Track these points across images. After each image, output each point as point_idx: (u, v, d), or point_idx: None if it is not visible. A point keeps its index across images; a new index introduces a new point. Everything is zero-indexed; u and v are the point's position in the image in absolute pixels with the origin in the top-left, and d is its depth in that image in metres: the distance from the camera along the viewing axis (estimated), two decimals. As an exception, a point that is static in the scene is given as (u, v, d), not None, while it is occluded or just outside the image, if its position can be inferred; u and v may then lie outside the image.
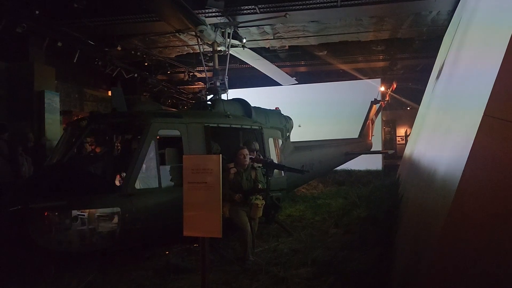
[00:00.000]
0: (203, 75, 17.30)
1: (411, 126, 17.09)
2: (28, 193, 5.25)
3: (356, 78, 19.90)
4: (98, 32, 12.74)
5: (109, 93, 18.55)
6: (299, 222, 8.79)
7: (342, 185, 14.22)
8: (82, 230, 5.12)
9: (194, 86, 22.61)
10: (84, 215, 5.12)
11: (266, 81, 15.00)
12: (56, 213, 4.99)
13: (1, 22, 10.34)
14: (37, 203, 4.93)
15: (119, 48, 13.71)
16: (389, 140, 23.84)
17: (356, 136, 16.97)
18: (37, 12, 10.78)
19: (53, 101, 13.10)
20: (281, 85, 15.68)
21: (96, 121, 6.59)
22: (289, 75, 14.41)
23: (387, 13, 11.49)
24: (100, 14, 11.44)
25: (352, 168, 16.26)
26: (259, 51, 13.27)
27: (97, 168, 6.06)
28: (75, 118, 13.11)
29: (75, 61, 13.27)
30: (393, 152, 20.37)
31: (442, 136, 4.08)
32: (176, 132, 6.30)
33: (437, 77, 8.23)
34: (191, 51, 15.24)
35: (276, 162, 8.19)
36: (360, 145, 16.29)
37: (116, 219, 5.21)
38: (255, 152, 7.59)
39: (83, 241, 5.26)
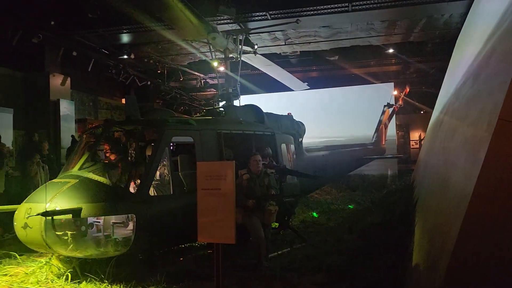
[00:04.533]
0: (215, 81, 17.46)
1: (425, 130, 16.88)
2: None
3: (368, 83, 19.82)
4: (111, 41, 12.93)
5: (123, 101, 18.80)
6: (312, 227, 8.75)
7: (356, 190, 14.12)
8: (98, 236, 5.19)
9: (206, 93, 22.73)
10: (100, 222, 5.19)
11: (278, 86, 15.06)
12: (73, 219, 5.07)
13: (18, 32, 10.57)
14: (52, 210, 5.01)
15: (132, 56, 13.89)
16: (403, 145, 23.60)
17: (370, 141, 16.87)
18: (52, 22, 10.99)
19: (68, 110, 13.33)
20: (293, 90, 15.73)
21: (111, 128, 6.67)
22: (301, 80, 14.44)
23: (399, 17, 11.44)
24: (114, 24, 11.61)
25: (366, 173, 16.15)
26: (270, 57, 13.32)
27: (112, 175, 6.12)
28: (90, 126, 13.33)
29: (89, 69, 13.48)
30: (406, 156, 20.19)
31: (457, 140, 4.04)
32: (189, 139, 6.35)
33: (451, 80, 8.15)
34: (203, 58, 15.35)
35: (289, 168, 8.18)
36: (373, 150, 16.19)
37: (131, 225, 5.26)
38: (268, 158, 7.60)
39: (98, 247, 5.33)
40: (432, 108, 14.30)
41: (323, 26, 11.99)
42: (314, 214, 10.01)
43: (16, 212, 5.48)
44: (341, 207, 11.05)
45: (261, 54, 11.33)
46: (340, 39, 13.37)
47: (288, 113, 10.65)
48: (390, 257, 5.36)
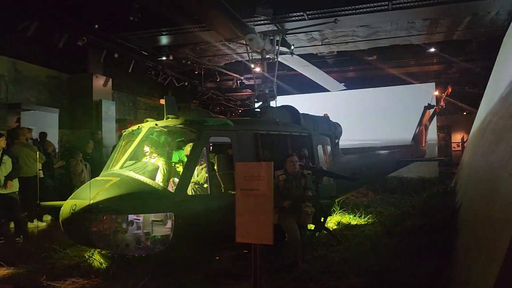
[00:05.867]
0: (252, 82, 17.53)
1: (468, 132, 16.25)
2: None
3: (407, 83, 19.27)
4: (151, 42, 13.25)
5: (161, 101, 19.23)
6: (349, 230, 8.61)
7: (394, 193, 13.77)
8: (137, 234, 5.32)
9: (242, 94, 22.88)
10: (139, 219, 5.33)
11: (314, 87, 14.93)
12: (114, 216, 5.23)
13: (64, 36, 11.02)
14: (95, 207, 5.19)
15: (171, 58, 14.17)
16: (444, 147, 22.82)
17: (409, 143, 16.43)
18: (96, 26, 11.38)
19: (109, 110, 13.78)
20: (330, 91, 15.56)
21: (151, 128, 6.83)
22: (338, 81, 14.25)
23: (442, 14, 11.05)
24: (153, 26, 11.89)
25: (405, 176, 15.74)
26: (307, 57, 13.22)
27: (152, 174, 6.27)
28: (129, 125, 13.71)
29: (129, 71, 13.87)
30: (448, 159, 19.52)
31: (505, 143, 3.86)
32: (226, 139, 6.40)
33: (498, 80, 7.81)
34: (240, 59, 15.44)
35: (325, 169, 8.09)
36: (412, 152, 15.75)
37: (170, 224, 5.37)
38: (304, 159, 7.55)
39: (138, 244, 5.47)
40: (476, 109, 13.76)
41: (361, 26, 11.77)
42: (351, 216, 9.85)
43: (62, 208, 5.71)
44: (379, 209, 10.81)
45: (298, 55, 11.26)
46: (378, 39, 13.08)
47: (324, 114, 10.54)
48: (432, 262, 5.20)
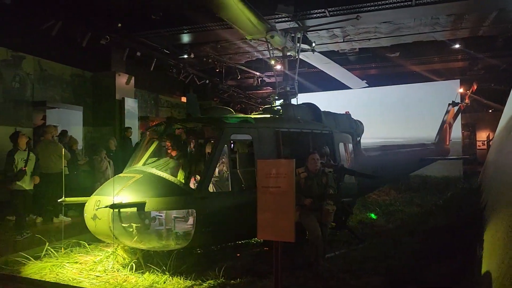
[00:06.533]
0: (272, 80, 17.50)
1: (493, 130, 15.83)
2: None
3: (431, 80, 18.89)
4: (172, 41, 13.38)
5: (182, 99, 19.41)
6: (370, 229, 8.54)
7: (417, 192, 13.56)
8: (160, 230, 5.40)
9: (263, 91, 22.89)
10: (162, 216, 5.40)
11: (335, 84, 14.79)
12: (138, 212, 5.31)
13: (87, 35, 11.23)
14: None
15: (192, 56, 14.27)
16: (469, 145, 22.29)
17: (432, 141, 16.12)
18: (119, 25, 11.56)
19: (132, 108, 13.99)
20: (351, 88, 15.39)
21: (173, 126, 6.91)
22: (359, 78, 14.07)
23: (467, 10, 10.78)
24: (175, 24, 12.00)
25: (428, 174, 15.47)
26: (328, 54, 13.10)
27: (174, 171, 6.34)
28: (151, 123, 13.89)
29: (151, 69, 14.04)
30: (472, 157, 19.07)
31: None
32: (247, 137, 6.42)
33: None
34: (261, 57, 15.44)
35: (347, 167, 8.02)
36: (436, 150, 15.45)
37: (191, 220, 5.42)
38: (325, 156, 7.51)
39: (160, 240, 5.54)
40: (502, 106, 13.40)
41: (384, 22, 11.60)
42: (372, 215, 9.75)
43: (86, 204, 5.84)
44: (401, 208, 10.68)
45: (319, 52, 11.15)
46: (401, 35, 12.86)
47: (346, 112, 10.44)
48: (456, 262, 5.11)
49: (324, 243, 6.02)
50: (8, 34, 10.61)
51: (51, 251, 6.33)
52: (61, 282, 5.26)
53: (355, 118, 10.17)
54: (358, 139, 9.99)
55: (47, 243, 6.45)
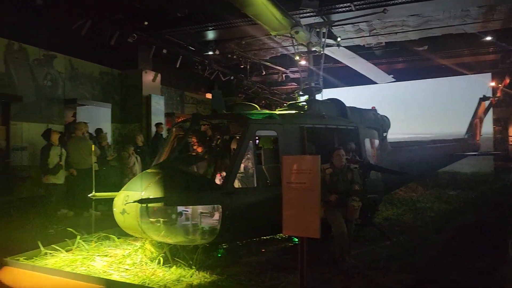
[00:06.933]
0: (297, 75, 17.41)
1: (527, 125, 15.32)
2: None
3: (461, 74, 18.37)
4: (197, 38, 13.50)
5: (207, 95, 19.58)
6: (397, 226, 8.42)
7: (445, 188, 13.28)
8: (186, 225, 5.48)
9: (287, 87, 22.80)
10: (188, 211, 5.49)
11: (361, 79, 14.61)
12: (165, 207, 5.41)
13: (115, 34, 11.47)
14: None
15: (217, 52, 14.37)
16: (500, 140, 21.59)
17: (462, 136, 15.72)
18: (146, 23, 11.74)
19: (158, 104, 14.24)
20: (377, 83, 15.15)
21: (198, 122, 7.00)
22: (386, 72, 13.84)
23: (499, 1, 10.42)
24: (200, 21, 12.09)
25: (457, 171, 15.10)
26: (354, 49, 12.94)
27: (200, 167, 6.43)
28: (177, 119, 14.09)
29: (177, 66, 14.22)
30: (504, 153, 18.47)
31: None
32: (273, 133, 6.43)
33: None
34: (285, 52, 15.38)
35: (373, 163, 7.93)
36: (466, 145, 15.05)
37: (217, 216, 5.49)
38: (351, 152, 7.44)
39: (187, 235, 5.62)
40: (537, 100, 12.92)
41: (411, 15, 11.35)
42: (399, 212, 9.61)
43: (115, 198, 5.99)
44: (428, 205, 10.48)
45: (345, 47, 11.03)
46: (430, 28, 12.54)
47: (372, 107, 10.29)
48: (485, 262, 4.99)
49: (350, 240, 5.98)
50: (40, 34, 10.96)
51: (82, 244, 6.52)
52: (92, 275, 5.42)
53: (381, 114, 10.02)
54: (384, 134, 9.84)
55: (78, 236, 6.64)
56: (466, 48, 16.15)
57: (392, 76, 14.82)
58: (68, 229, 6.89)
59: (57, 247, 6.33)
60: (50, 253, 6.22)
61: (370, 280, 5.12)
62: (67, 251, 6.32)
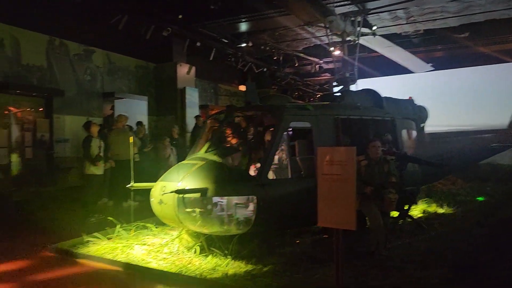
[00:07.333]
0: (330, 66, 17.18)
1: None
2: None
3: (505, 61, 17.53)
4: (230, 30, 13.55)
5: (240, 87, 19.65)
6: (435, 219, 8.19)
7: (487, 181, 12.78)
8: (222, 215, 5.56)
9: (320, 78, 22.55)
10: (223, 202, 5.56)
11: (398, 69, 14.24)
12: (201, 198, 5.51)
13: (150, 28, 11.69)
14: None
15: (250, 44, 14.38)
16: (547, 131, 20.54)
17: (505, 127, 15.04)
18: (180, 16, 11.90)
19: (193, 97, 14.44)
20: (415, 72, 14.73)
21: (233, 114, 7.04)
22: (424, 61, 13.44)
23: (547, -17, 9.88)
24: (233, 13, 12.13)
25: (499, 163, 14.48)
26: (390, 37, 12.61)
27: (235, 159, 6.49)
28: (211, 111, 14.24)
29: (210, 58, 14.34)
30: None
31: None
32: (307, 124, 6.39)
33: None
34: (319, 43, 15.19)
35: (410, 155, 7.74)
36: (509, 137, 14.40)
37: (252, 207, 5.53)
38: (387, 144, 7.30)
39: (222, 225, 5.70)
40: None
41: (451, 1, 10.93)
42: (437, 205, 9.32)
43: (153, 189, 6.15)
44: (469, 198, 10.13)
45: (380, 35, 10.79)
46: (472, 14, 12.04)
47: (409, 97, 10.02)
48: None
49: (386, 233, 5.89)
50: (79, 29, 11.33)
51: (122, 233, 6.75)
52: (132, 263, 5.61)
53: (419, 104, 9.75)
54: (422, 125, 9.58)
55: (118, 225, 6.88)
56: (511, 34, 15.39)
57: (431, 64, 14.37)
58: (108, 218, 7.15)
59: (98, 236, 6.58)
60: (92, 241, 6.48)
61: (407, 274, 5.03)
62: (108, 239, 6.56)
